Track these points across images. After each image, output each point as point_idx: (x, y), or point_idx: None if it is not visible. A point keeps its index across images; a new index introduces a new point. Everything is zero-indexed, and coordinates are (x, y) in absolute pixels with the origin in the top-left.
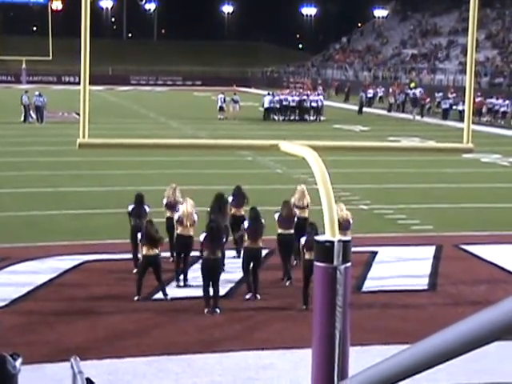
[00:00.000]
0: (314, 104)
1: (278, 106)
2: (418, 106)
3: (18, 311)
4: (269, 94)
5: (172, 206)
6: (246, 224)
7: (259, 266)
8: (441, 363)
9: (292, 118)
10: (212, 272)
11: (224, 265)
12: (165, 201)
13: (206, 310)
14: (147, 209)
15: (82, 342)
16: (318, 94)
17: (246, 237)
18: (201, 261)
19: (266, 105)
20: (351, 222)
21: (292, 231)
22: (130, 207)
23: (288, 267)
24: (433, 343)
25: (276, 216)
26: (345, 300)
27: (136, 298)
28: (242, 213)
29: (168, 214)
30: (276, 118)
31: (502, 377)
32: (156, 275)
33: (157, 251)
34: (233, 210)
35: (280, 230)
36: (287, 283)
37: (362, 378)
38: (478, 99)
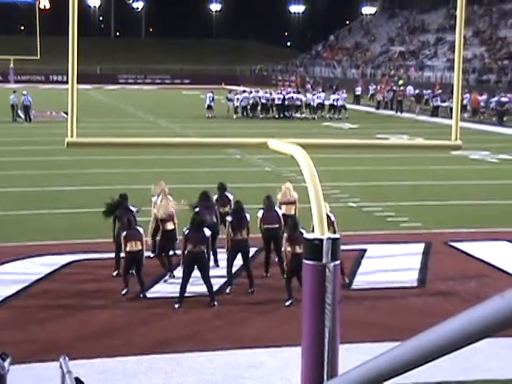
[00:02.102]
0: (334, 103)
1: (239, 103)
2: (421, 102)
3: (7, 310)
4: (244, 91)
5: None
6: (229, 218)
7: (248, 257)
8: (431, 361)
9: (276, 116)
10: (196, 264)
11: (217, 261)
12: (154, 199)
13: (177, 306)
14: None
15: (71, 342)
16: (339, 94)
17: (231, 229)
18: (184, 254)
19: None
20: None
21: (276, 225)
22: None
23: (268, 262)
24: (422, 341)
25: (259, 214)
26: (334, 298)
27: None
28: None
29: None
30: (244, 114)
31: (492, 374)
32: (139, 271)
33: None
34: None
35: (265, 226)
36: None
37: (352, 377)
38: (467, 96)
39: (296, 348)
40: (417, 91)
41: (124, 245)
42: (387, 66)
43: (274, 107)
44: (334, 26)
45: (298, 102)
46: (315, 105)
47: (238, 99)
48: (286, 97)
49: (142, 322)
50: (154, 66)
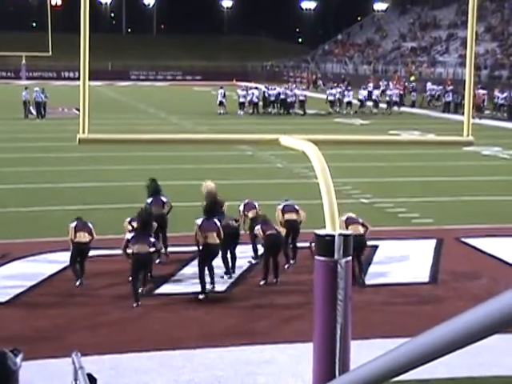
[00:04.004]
0: (390, 98)
1: (242, 100)
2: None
3: (19, 307)
4: (256, 88)
5: None
6: (199, 221)
7: (213, 258)
8: (441, 356)
9: (280, 112)
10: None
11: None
12: None
13: (135, 304)
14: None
15: (83, 338)
16: (393, 88)
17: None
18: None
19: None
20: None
21: (295, 217)
22: None
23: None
24: (433, 336)
25: (279, 206)
26: (346, 294)
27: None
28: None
29: None
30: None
31: (504, 370)
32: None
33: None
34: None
35: (285, 217)
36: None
37: (362, 372)
38: (477, 91)
39: (308, 344)
40: (440, 87)
41: (73, 235)
42: (399, 62)
43: (294, 103)
44: (345, 23)
45: (332, 98)
46: (347, 101)
47: (242, 95)
48: (332, 94)
49: (153, 318)
50: (166, 63)
